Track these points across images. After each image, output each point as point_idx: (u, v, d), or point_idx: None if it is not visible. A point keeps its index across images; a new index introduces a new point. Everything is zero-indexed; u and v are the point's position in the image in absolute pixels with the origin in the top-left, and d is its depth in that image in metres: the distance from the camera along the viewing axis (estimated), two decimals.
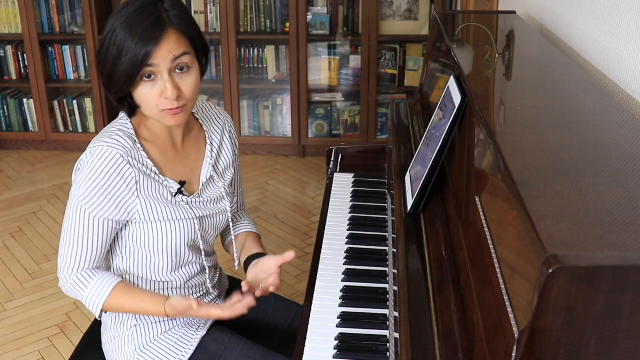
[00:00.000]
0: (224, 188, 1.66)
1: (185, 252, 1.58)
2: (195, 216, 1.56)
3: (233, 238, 1.72)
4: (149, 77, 1.42)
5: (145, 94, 1.43)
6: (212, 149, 1.64)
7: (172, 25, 1.41)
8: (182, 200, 1.55)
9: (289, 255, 1.52)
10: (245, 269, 1.66)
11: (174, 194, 1.54)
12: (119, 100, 1.49)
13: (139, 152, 1.49)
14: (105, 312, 1.59)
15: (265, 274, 1.57)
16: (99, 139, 1.48)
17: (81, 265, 1.50)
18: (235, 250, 1.72)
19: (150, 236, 1.52)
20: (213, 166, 1.63)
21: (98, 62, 1.46)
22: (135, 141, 1.49)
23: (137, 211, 1.49)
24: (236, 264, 1.74)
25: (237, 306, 1.48)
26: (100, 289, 1.51)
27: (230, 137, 1.70)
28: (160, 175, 1.52)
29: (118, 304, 1.52)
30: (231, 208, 1.67)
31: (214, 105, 1.74)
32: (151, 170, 1.50)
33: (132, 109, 1.51)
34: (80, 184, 1.45)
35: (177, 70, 1.43)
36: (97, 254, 1.51)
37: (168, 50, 1.41)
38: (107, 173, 1.44)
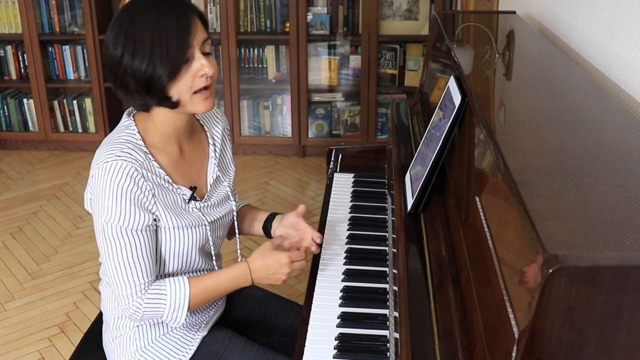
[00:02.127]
0: (229, 187, 1.68)
1: (196, 256, 1.59)
2: (207, 222, 1.57)
3: (234, 208, 1.72)
4: (186, 61, 1.43)
5: (181, 77, 1.43)
6: (215, 149, 1.65)
7: (193, 11, 1.45)
8: (195, 207, 1.56)
9: (301, 208, 1.68)
10: (266, 233, 1.77)
11: (187, 201, 1.54)
12: (159, 99, 1.45)
13: (151, 163, 1.48)
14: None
15: (296, 232, 1.69)
16: (109, 151, 1.45)
17: (145, 281, 1.48)
18: (235, 219, 1.73)
19: (163, 241, 1.53)
20: (217, 165, 1.64)
21: (121, 73, 1.42)
22: (146, 152, 1.48)
23: (157, 216, 1.49)
24: (240, 259, 1.75)
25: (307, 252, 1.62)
26: (178, 290, 1.50)
27: (228, 134, 1.74)
28: (173, 184, 1.52)
29: (201, 296, 1.52)
30: (236, 207, 1.70)
31: None
32: (164, 180, 1.50)
33: (147, 106, 1.49)
34: (106, 208, 1.43)
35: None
36: (152, 264, 1.49)
37: (200, 31, 1.44)
38: (127, 187, 1.42)
